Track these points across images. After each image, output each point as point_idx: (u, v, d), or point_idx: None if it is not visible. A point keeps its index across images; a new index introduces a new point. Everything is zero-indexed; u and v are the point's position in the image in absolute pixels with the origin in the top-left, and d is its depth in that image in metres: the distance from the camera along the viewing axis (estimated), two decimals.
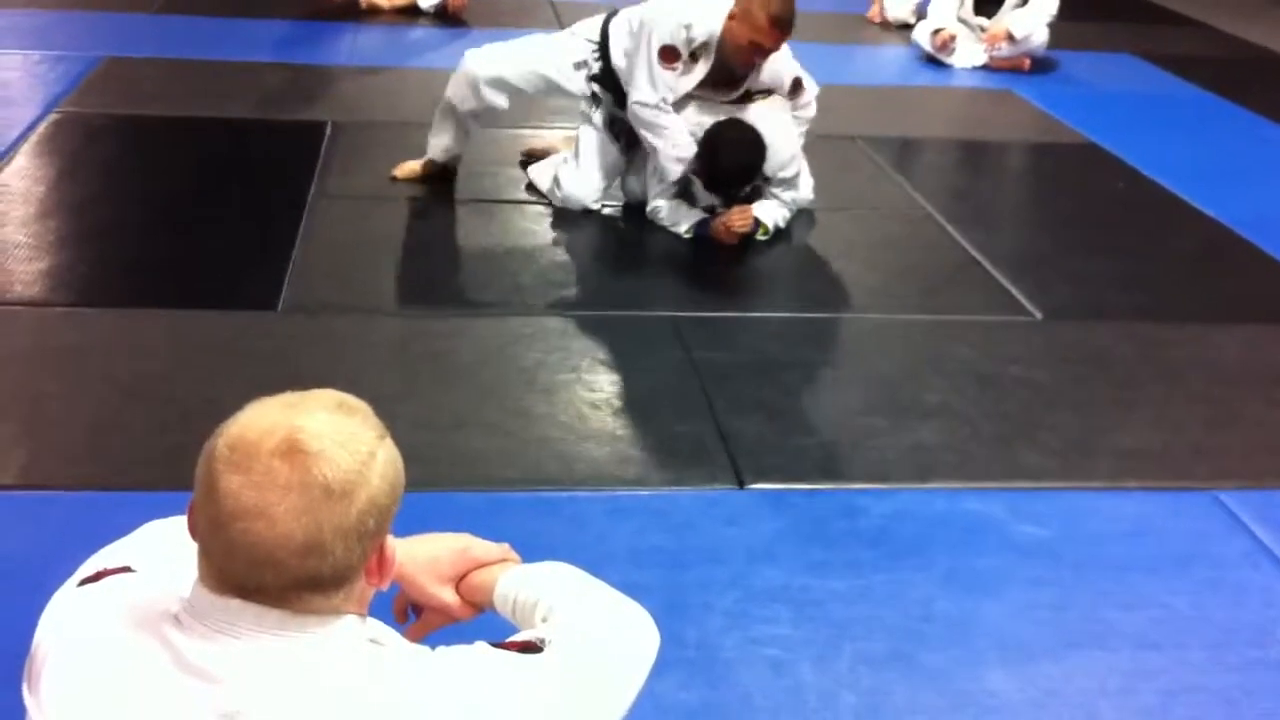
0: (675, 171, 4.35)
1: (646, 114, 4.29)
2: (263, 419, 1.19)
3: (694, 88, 4.33)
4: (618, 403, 3.33)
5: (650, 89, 4.25)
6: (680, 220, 4.42)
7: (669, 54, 4.22)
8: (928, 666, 2.44)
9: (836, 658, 2.44)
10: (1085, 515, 2.97)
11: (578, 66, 4.43)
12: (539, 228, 4.45)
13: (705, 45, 4.25)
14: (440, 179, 4.71)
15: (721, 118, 4.29)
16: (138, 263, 3.98)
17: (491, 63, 4.46)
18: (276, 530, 1.15)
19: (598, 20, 4.45)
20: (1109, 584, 2.72)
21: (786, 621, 2.53)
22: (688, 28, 4.21)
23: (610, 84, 4.42)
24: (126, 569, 1.32)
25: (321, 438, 1.18)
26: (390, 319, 3.74)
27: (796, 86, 4.45)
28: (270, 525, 1.15)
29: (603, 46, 4.39)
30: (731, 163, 4.25)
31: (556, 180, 4.59)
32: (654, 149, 4.35)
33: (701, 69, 4.30)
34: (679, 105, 4.34)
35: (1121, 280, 4.31)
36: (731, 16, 4.16)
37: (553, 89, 4.52)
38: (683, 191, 4.48)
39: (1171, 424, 3.40)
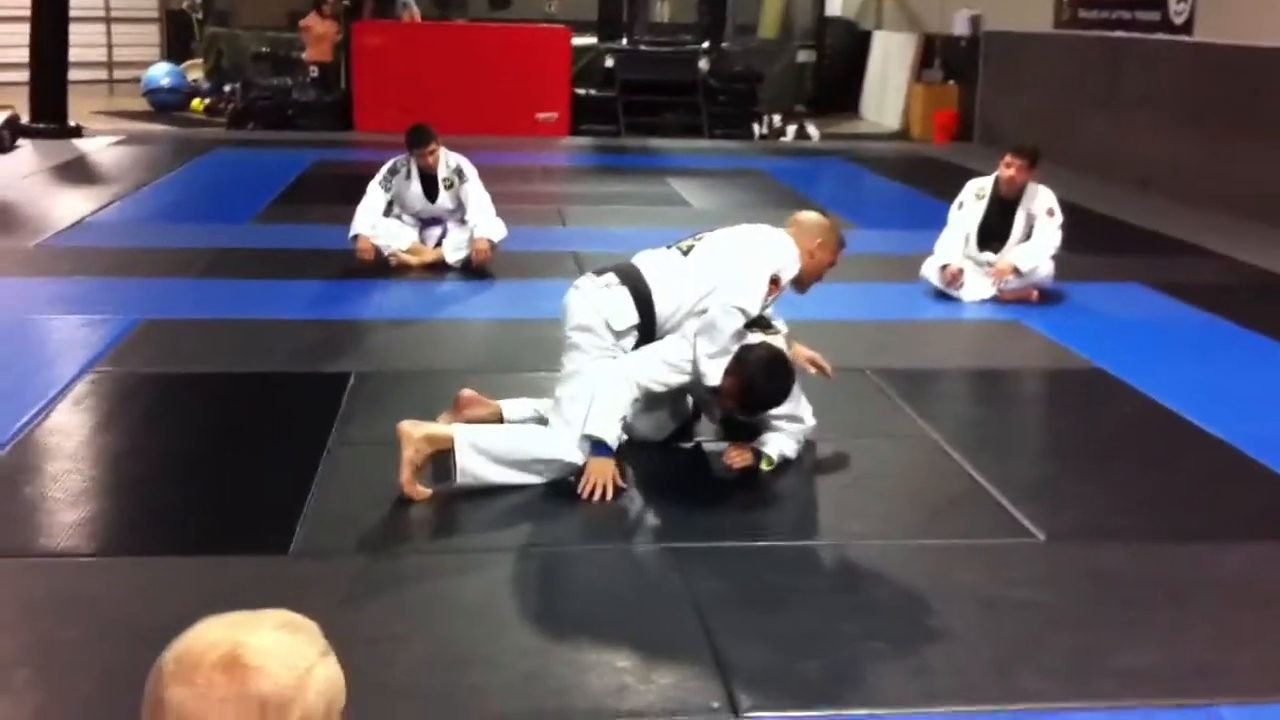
0: (716, 373, 4.35)
1: (730, 319, 4.36)
2: (209, 634, 1.28)
3: None
4: (617, 635, 3.36)
5: (752, 301, 4.45)
6: (651, 432, 4.67)
7: (774, 282, 4.55)
8: None
9: None
10: None
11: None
12: None
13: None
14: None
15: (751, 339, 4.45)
16: (160, 513, 4.12)
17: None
18: None
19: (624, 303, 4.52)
20: None
21: None
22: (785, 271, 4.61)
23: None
24: None
25: (263, 653, 1.26)
26: (399, 560, 3.83)
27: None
28: None
29: (645, 310, 4.51)
30: (768, 383, 4.33)
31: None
32: (704, 351, 4.37)
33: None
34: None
35: (1127, 501, 4.35)
36: (819, 247, 4.74)
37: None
38: (665, 401, 4.63)
39: (1174, 642, 3.38)
